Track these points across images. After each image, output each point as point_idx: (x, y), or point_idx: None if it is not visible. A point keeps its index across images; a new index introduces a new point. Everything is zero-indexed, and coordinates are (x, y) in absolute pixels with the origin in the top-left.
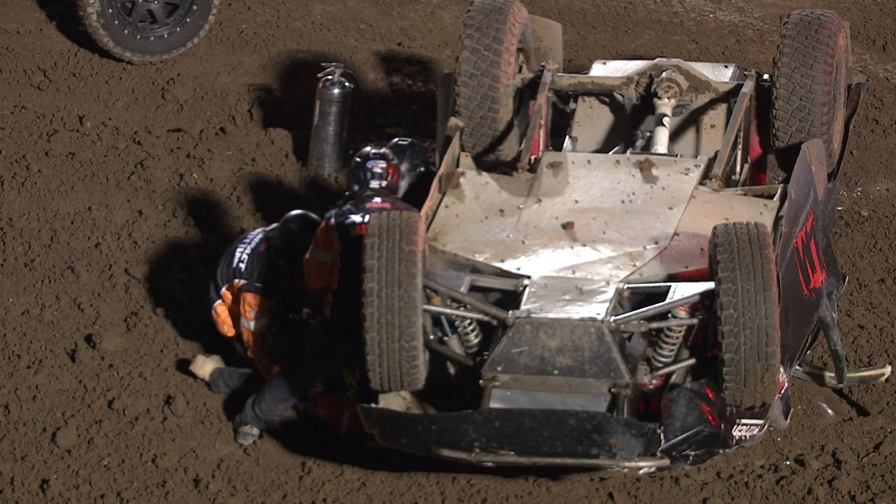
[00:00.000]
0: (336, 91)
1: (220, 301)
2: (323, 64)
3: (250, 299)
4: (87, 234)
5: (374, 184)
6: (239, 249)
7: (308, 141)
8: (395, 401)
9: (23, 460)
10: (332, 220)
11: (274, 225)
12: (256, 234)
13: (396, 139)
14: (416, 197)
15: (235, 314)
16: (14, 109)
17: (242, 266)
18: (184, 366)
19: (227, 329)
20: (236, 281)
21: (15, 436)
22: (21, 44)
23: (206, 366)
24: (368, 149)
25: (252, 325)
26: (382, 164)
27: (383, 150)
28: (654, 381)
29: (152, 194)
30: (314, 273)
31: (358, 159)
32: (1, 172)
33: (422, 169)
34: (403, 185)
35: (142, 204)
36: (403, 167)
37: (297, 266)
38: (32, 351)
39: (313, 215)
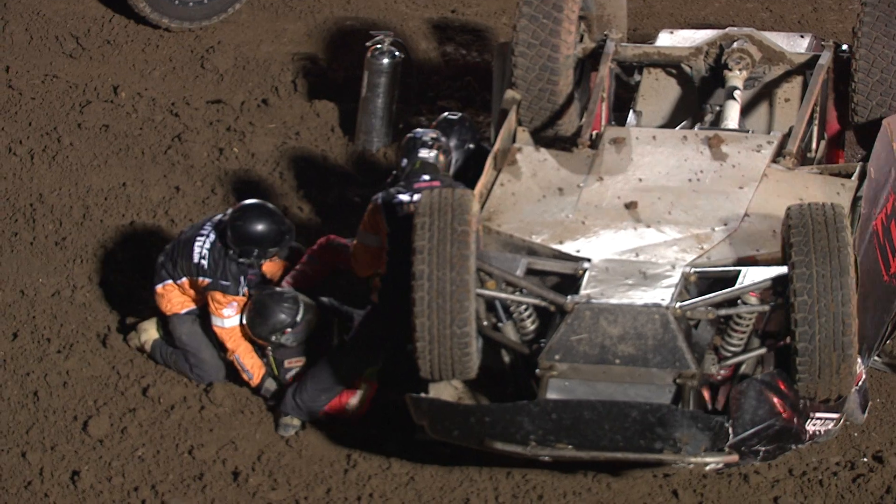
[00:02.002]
0: (385, 61)
1: (171, 281)
2: (372, 32)
3: (219, 297)
4: (121, 212)
5: (423, 153)
6: (198, 243)
7: (355, 114)
8: (446, 390)
9: (52, 450)
10: (379, 201)
11: (219, 215)
12: (208, 227)
13: (445, 114)
14: (466, 176)
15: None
16: (45, 79)
17: (205, 263)
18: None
19: (170, 308)
20: (200, 279)
21: (44, 424)
22: (53, 9)
23: (148, 331)
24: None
25: (224, 322)
26: (432, 133)
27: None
28: (722, 372)
29: (190, 170)
30: (362, 259)
31: (406, 135)
32: (31, 145)
33: (471, 146)
34: (454, 161)
35: (179, 180)
36: (452, 143)
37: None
38: (63, 335)
39: (269, 205)
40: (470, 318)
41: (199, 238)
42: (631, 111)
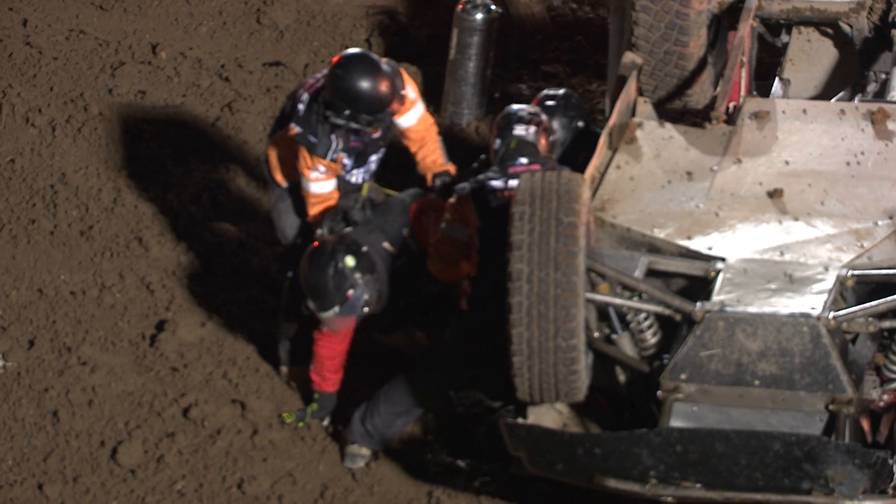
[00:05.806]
0: (479, 17)
1: (281, 131)
2: None
3: (304, 155)
4: (159, 195)
5: (520, 129)
6: (306, 86)
7: (442, 80)
8: (548, 415)
9: (75, 482)
10: (467, 190)
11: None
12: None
13: (545, 91)
14: (576, 161)
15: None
16: (70, 35)
17: (301, 108)
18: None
19: (275, 168)
20: (291, 126)
21: (66, 451)
22: None
23: None
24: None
25: (310, 186)
26: (529, 108)
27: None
28: (885, 397)
29: (243, 145)
30: (446, 254)
31: (500, 114)
32: (52, 115)
33: (580, 124)
34: (560, 142)
35: (230, 157)
36: (557, 122)
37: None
38: (88, 343)
39: (383, 65)
40: (578, 329)
41: (311, 78)
42: (777, 79)
